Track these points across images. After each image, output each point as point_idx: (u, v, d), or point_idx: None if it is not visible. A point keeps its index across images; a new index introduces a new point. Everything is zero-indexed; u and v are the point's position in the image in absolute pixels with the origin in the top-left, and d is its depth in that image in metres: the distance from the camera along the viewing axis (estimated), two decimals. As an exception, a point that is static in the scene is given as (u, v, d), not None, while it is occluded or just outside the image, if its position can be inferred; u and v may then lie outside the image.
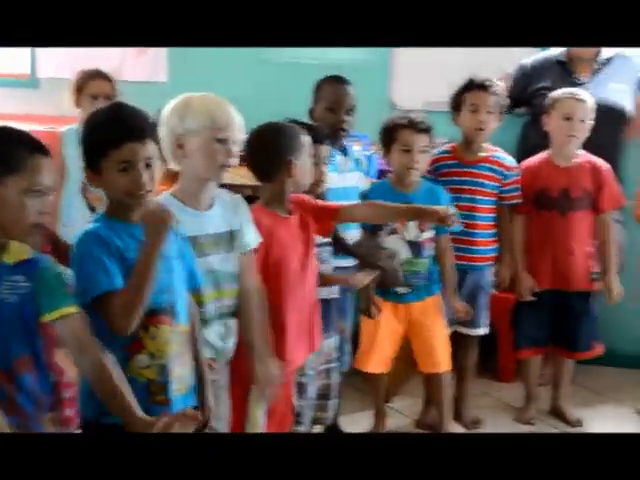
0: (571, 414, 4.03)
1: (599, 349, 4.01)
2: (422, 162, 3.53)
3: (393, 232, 3.56)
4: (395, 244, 3.57)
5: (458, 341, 3.82)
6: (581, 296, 3.89)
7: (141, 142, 2.28)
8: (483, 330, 3.87)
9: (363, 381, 3.90)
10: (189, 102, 2.61)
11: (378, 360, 3.69)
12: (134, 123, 2.31)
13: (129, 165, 2.26)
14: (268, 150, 2.83)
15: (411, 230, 3.56)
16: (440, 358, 3.65)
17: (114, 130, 2.27)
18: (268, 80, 4.79)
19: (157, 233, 2.25)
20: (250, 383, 2.78)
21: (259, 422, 2.85)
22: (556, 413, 4.05)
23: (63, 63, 4.72)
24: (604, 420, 4.07)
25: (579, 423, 3.99)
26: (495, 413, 4.10)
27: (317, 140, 3.02)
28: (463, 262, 3.70)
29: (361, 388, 4.01)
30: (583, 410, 4.12)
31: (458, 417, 3.95)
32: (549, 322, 3.92)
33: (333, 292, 3.26)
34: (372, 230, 3.56)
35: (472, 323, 3.82)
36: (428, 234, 3.57)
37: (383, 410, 3.83)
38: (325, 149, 3.15)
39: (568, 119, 3.73)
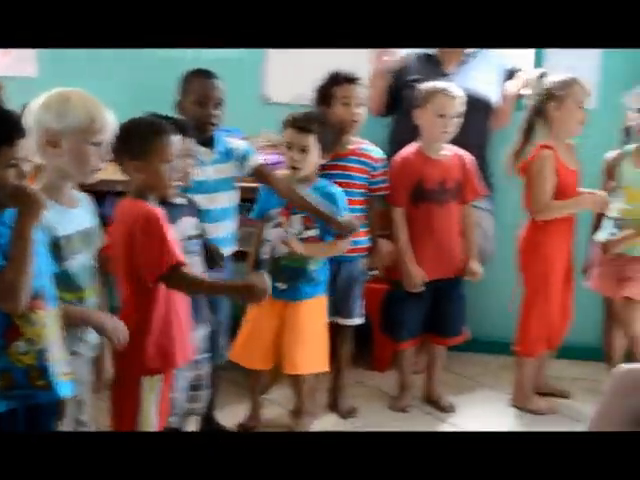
0: (445, 400, 4.13)
1: (467, 334, 4.14)
2: (301, 160, 3.57)
3: (277, 225, 3.59)
4: (277, 237, 3.59)
5: (334, 331, 3.86)
6: (454, 283, 4.01)
7: (25, 138, 2.28)
8: (358, 320, 3.93)
9: (240, 375, 3.91)
10: (67, 100, 2.54)
11: (252, 354, 3.67)
12: (18, 120, 2.31)
13: (18, 161, 2.24)
14: (119, 146, 2.76)
15: (295, 225, 3.59)
16: (300, 361, 3.62)
17: (8, 128, 2.24)
18: (140, 75, 4.74)
19: (32, 209, 2.24)
20: (138, 376, 2.78)
21: (153, 417, 2.84)
22: (430, 400, 4.15)
23: None
24: (476, 404, 4.20)
25: (452, 409, 4.10)
26: (370, 402, 4.16)
27: (181, 134, 2.99)
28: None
29: (238, 382, 4.02)
30: (456, 396, 4.23)
31: (334, 407, 4.01)
32: (426, 311, 4.01)
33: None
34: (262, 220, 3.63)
35: (347, 313, 3.87)
36: (312, 232, 3.59)
37: (259, 403, 3.86)
38: (189, 142, 3.13)
39: (442, 116, 3.81)
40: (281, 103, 4.54)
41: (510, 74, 4.46)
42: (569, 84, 3.88)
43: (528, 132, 3.95)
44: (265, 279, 2.76)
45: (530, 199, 3.94)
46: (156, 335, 2.80)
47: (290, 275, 3.60)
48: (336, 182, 3.71)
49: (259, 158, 3.67)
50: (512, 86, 4.44)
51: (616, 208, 3.94)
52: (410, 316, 3.99)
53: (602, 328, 4.32)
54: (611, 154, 4.04)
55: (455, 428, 3.91)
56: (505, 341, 4.22)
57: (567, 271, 4.04)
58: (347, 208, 3.65)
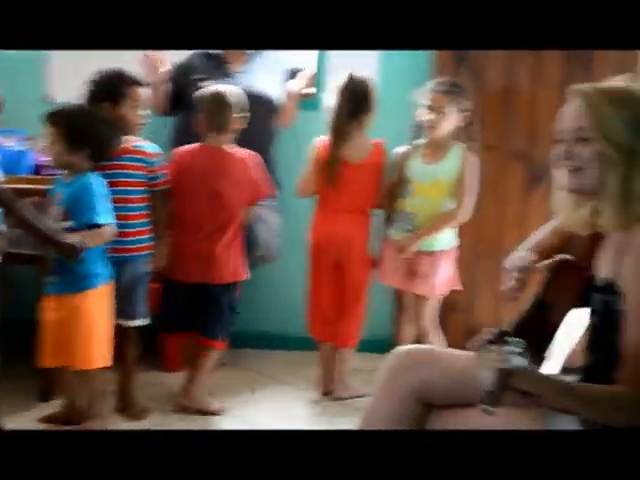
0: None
1: None
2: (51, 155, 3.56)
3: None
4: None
5: (118, 333, 3.77)
6: None
7: None
8: (141, 321, 3.89)
9: (29, 382, 3.88)
10: None
11: (45, 354, 3.54)
12: None
13: None
14: None
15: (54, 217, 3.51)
16: (81, 355, 3.52)
17: None
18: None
19: None
20: None
21: None
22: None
23: None
24: (266, 398, 4.23)
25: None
26: (162, 402, 4.10)
27: None
28: (119, 254, 3.68)
29: (26, 389, 3.98)
30: (257, 393, 4.29)
31: (124, 410, 3.96)
32: None
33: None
34: None
35: (131, 314, 3.83)
36: (68, 224, 3.49)
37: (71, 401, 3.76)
38: None
39: None
40: (66, 103, 4.45)
41: (293, 73, 4.54)
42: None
43: (343, 134, 4.02)
44: None
45: (379, 192, 4.10)
46: None
47: (56, 268, 3.54)
48: (116, 181, 3.68)
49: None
50: (295, 85, 4.51)
51: (406, 203, 4.06)
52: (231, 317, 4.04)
53: (392, 320, 4.43)
54: (400, 149, 4.15)
55: (249, 423, 3.93)
56: (293, 336, 4.26)
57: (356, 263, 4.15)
58: (94, 205, 3.50)
